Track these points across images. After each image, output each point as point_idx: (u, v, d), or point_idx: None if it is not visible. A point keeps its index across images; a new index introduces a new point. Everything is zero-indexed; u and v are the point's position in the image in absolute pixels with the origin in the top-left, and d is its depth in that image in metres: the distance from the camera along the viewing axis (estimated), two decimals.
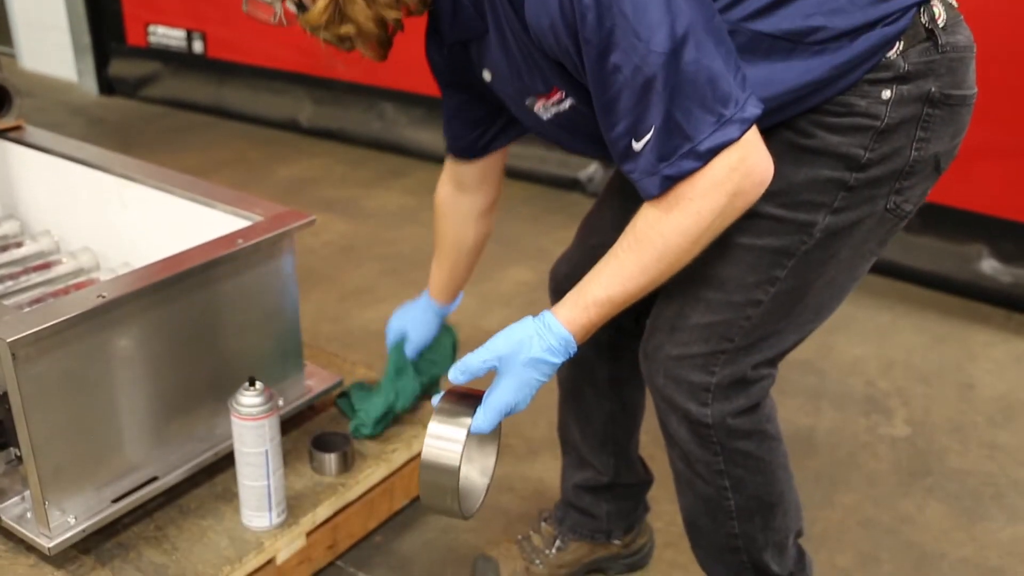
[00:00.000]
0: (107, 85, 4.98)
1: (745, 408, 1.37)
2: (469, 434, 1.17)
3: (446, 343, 1.92)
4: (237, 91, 4.57)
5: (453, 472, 1.16)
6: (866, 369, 2.56)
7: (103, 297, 1.45)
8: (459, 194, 1.68)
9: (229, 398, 1.56)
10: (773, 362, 1.38)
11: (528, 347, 1.18)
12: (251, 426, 1.55)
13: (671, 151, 1.11)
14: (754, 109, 1.12)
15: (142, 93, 4.88)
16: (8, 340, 1.34)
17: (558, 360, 1.19)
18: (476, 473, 1.30)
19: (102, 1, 4.85)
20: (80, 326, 1.43)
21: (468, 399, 1.21)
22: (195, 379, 1.65)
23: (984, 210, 2.91)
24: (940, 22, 1.23)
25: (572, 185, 3.75)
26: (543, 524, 1.83)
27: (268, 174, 3.95)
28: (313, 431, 1.86)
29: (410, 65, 4.08)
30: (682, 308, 1.35)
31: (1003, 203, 2.88)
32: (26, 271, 2.00)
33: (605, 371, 1.66)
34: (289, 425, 1.86)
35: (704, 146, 1.10)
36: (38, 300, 1.88)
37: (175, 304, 1.58)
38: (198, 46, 4.63)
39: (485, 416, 1.18)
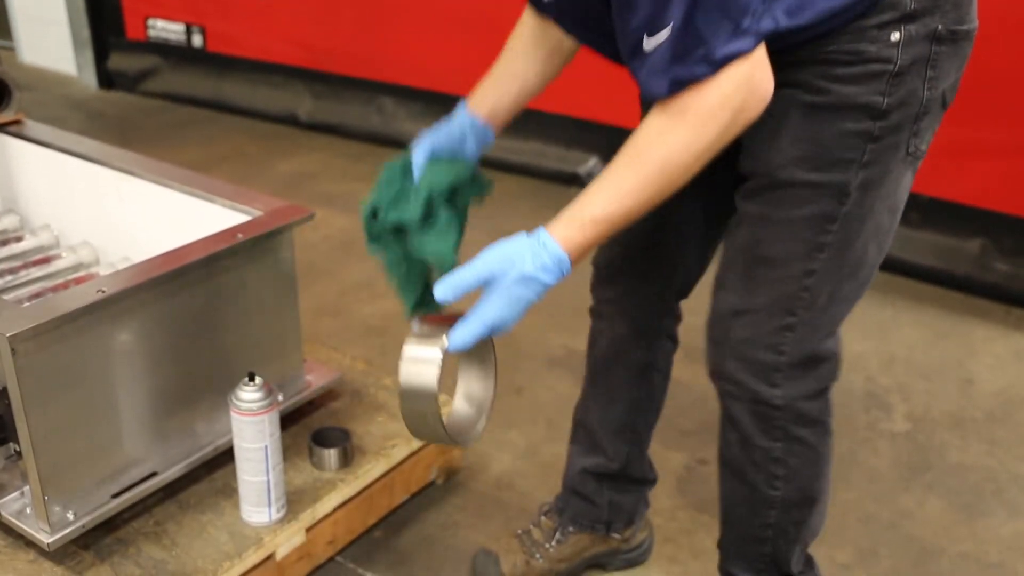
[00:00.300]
0: (106, 79, 4.97)
1: (814, 392, 1.40)
2: (447, 352, 1.12)
3: (432, 174, 1.32)
4: (236, 85, 4.57)
5: (431, 395, 1.12)
6: (867, 365, 2.56)
7: (103, 292, 1.45)
8: (533, 34, 1.46)
9: (229, 393, 1.56)
10: (835, 332, 1.40)
11: (521, 263, 1.14)
12: (251, 421, 1.55)
13: (685, 53, 1.09)
14: (768, 23, 1.12)
15: (141, 87, 4.87)
16: (8, 335, 1.33)
17: (550, 279, 1.16)
18: (473, 404, 1.27)
19: None
20: (80, 321, 1.43)
21: (446, 322, 1.16)
22: (194, 374, 1.65)
23: (984, 205, 2.91)
24: None
25: (571, 180, 3.74)
26: (543, 518, 1.83)
27: (267, 168, 3.94)
28: (313, 426, 1.86)
29: (409, 59, 4.08)
30: (742, 292, 1.37)
31: (1003, 198, 2.88)
32: (26, 266, 2.00)
33: (640, 355, 1.66)
34: (289, 420, 1.86)
35: (719, 53, 1.09)
36: (38, 295, 1.88)
37: (175, 299, 1.57)
38: (197, 40, 4.62)
39: (467, 330, 1.14)
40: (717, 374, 1.45)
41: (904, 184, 1.34)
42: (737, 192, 1.38)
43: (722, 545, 1.62)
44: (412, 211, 1.26)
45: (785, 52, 1.23)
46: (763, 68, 1.13)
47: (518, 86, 1.43)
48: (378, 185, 1.32)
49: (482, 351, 1.28)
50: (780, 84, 1.26)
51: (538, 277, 1.15)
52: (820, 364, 1.40)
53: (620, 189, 1.16)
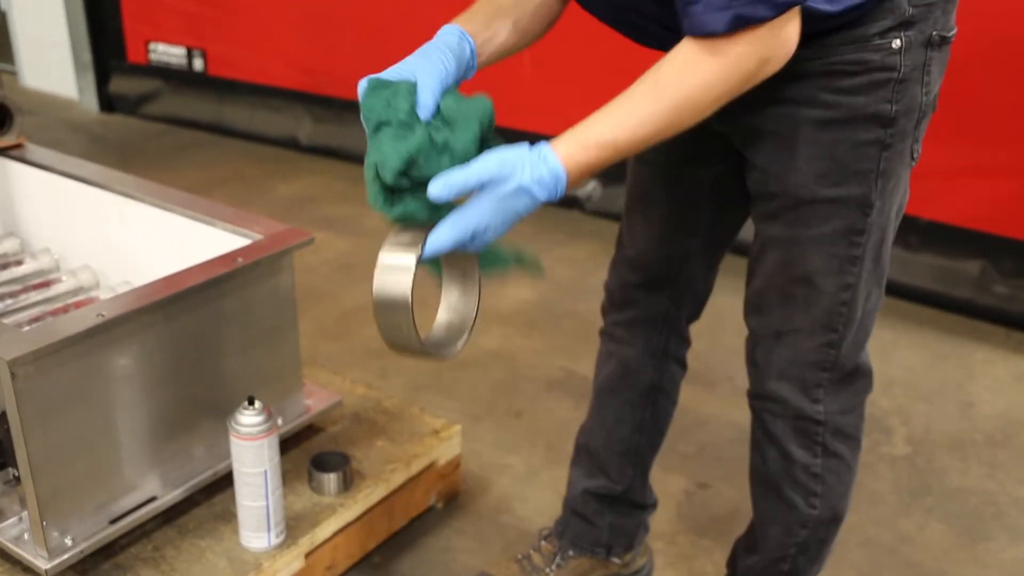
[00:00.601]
0: (107, 102, 4.99)
1: (852, 406, 1.43)
2: (422, 258, 1.08)
3: (472, 116, 1.15)
4: (237, 109, 4.58)
5: (404, 304, 1.08)
6: (873, 383, 2.55)
7: (102, 316, 1.45)
8: None
9: (228, 417, 1.56)
10: (867, 345, 1.43)
11: (519, 173, 1.10)
12: (250, 446, 1.54)
13: None
14: None
15: (142, 110, 4.89)
16: (7, 359, 1.33)
17: (543, 196, 1.12)
18: (455, 318, 1.24)
19: (104, 19, 4.86)
20: (79, 345, 1.43)
21: (423, 229, 1.10)
22: (194, 398, 1.65)
23: (983, 228, 2.91)
24: None
25: (571, 203, 3.75)
26: (543, 542, 1.82)
27: (268, 191, 3.95)
28: (312, 450, 1.86)
29: None
30: (781, 314, 1.39)
31: (1002, 221, 2.89)
32: (26, 289, 2.00)
33: (649, 378, 1.67)
34: (288, 444, 1.86)
35: None
36: (37, 319, 1.88)
37: (175, 323, 1.57)
38: (198, 64, 4.64)
39: (447, 231, 1.10)
40: (760, 395, 1.47)
41: (906, 187, 1.37)
42: (755, 215, 1.39)
43: (745, 569, 1.63)
44: (465, 155, 1.13)
45: (795, 61, 1.24)
46: (796, 24, 1.13)
47: (504, 37, 1.33)
48: (391, 134, 1.15)
49: (465, 263, 1.24)
50: (787, 101, 1.27)
51: (532, 190, 1.11)
52: (859, 378, 1.43)
53: (632, 116, 1.13)
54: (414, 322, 1.10)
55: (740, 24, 1.09)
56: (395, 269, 1.09)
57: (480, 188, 1.10)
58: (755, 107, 1.31)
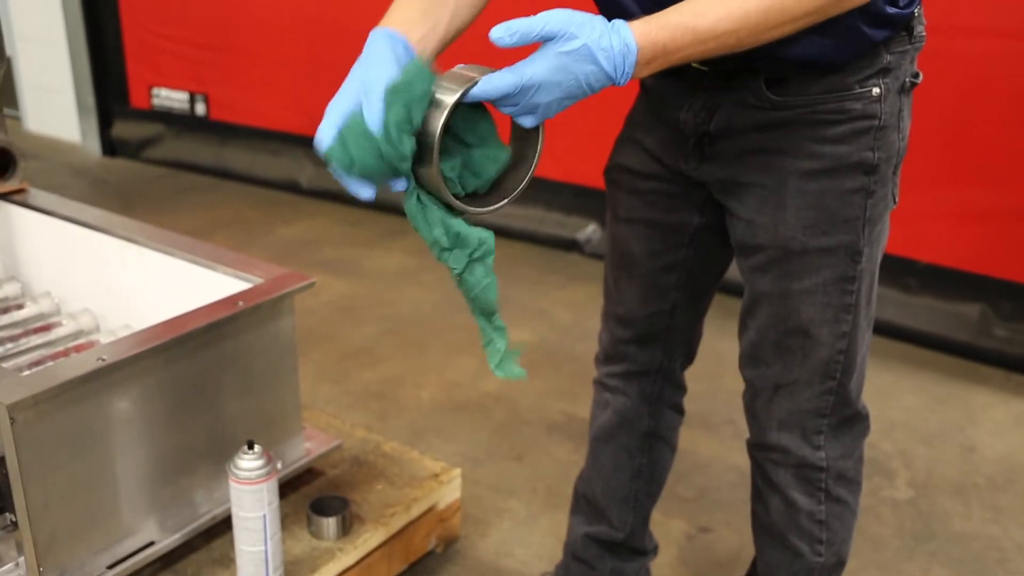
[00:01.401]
0: (110, 146, 5.02)
1: (852, 451, 1.44)
2: (471, 96, 1.03)
3: (485, 122, 1.15)
4: (238, 152, 4.62)
5: (433, 132, 1.04)
6: (871, 426, 2.54)
7: (103, 360, 1.45)
8: None
9: (227, 462, 1.55)
10: (863, 384, 1.44)
11: (587, 32, 1.03)
12: (249, 490, 1.54)
13: None
14: None
15: (145, 154, 4.92)
16: (7, 404, 1.33)
17: (608, 67, 1.04)
18: (500, 189, 1.17)
19: (107, 64, 4.91)
20: (79, 389, 1.43)
21: (481, 72, 1.05)
22: (193, 442, 1.65)
23: (982, 271, 2.92)
24: (918, 11, 1.27)
25: (570, 246, 3.76)
26: None
27: (268, 234, 3.97)
28: (311, 494, 1.85)
29: None
30: (779, 366, 1.39)
31: (1001, 263, 2.90)
32: (26, 333, 2.00)
33: (645, 424, 1.67)
34: (287, 488, 1.85)
35: None
36: (37, 363, 1.88)
37: (175, 367, 1.57)
38: (200, 108, 4.69)
39: (502, 77, 1.03)
40: (761, 446, 1.47)
41: (887, 229, 1.38)
42: (742, 267, 1.39)
43: None
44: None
45: (777, 110, 1.25)
46: None
47: (447, 21, 1.24)
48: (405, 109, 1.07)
49: (530, 136, 1.16)
50: (771, 152, 1.28)
51: (597, 57, 1.03)
52: (858, 421, 1.44)
53: (722, 7, 1.07)
54: (439, 163, 1.06)
55: None
56: (435, 105, 1.05)
57: (544, 40, 1.03)
58: (737, 158, 1.32)
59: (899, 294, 3.01)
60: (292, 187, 4.43)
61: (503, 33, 1.02)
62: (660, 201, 1.46)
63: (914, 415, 2.64)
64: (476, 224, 1.15)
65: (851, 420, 1.42)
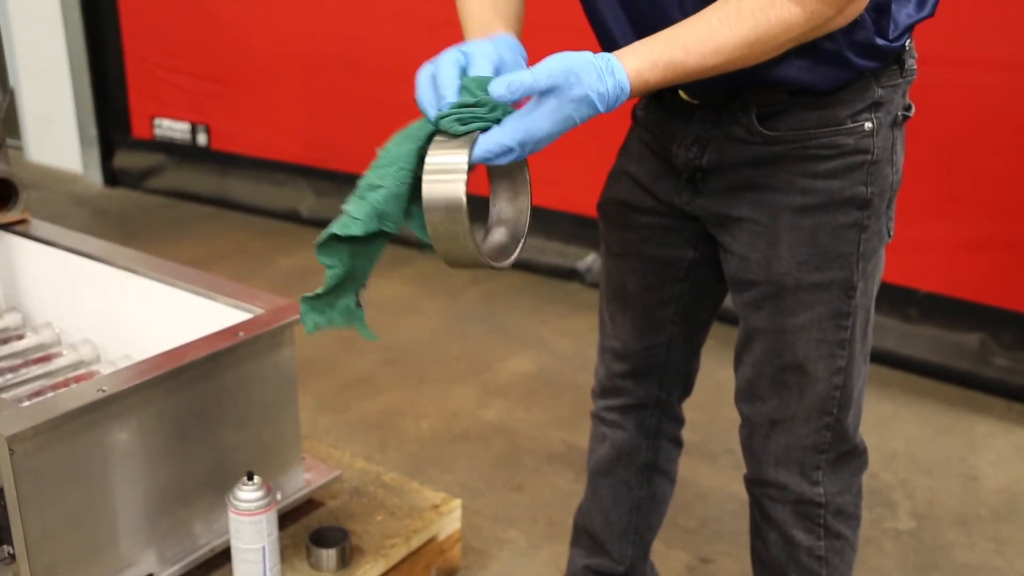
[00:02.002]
0: (111, 176, 5.04)
1: (850, 485, 1.43)
2: (472, 162, 1.02)
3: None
4: (239, 182, 4.63)
5: (459, 207, 1.01)
6: (869, 460, 2.54)
7: (103, 391, 1.45)
8: None
9: (227, 493, 1.55)
10: (860, 417, 1.43)
11: (585, 82, 1.05)
12: (249, 521, 1.53)
13: None
14: None
15: (146, 184, 4.94)
16: (6, 435, 1.33)
17: (602, 108, 1.07)
18: (506, 225, 1.17)
19: (110, 95, 4.94)
20: (79, 420, 1.43)
21: (467, 136, 1.04)
22: (192, 473, 1.64)
23: (982, 300, 2.93)
24: (908, 44, 1.28)
25: (570, 275, 3.76)
26: None
27: (269, 264, 3.97)
28: (311, 526, 1.84)
29: None
30: (775, 402, 1.38)
31: (1001, 293, 2.90)
32: (26, 363, 2.00)
33: (643, 457, 1.66)
34: (286, 519, 1.84)
35: None
36: (37, 393, 1.87)
37: (175, 397, 1.57)
38: (202, 139, 4.71)
39: (503, 133, 1.05)
40: (758, 481, 1.46)
41: (883, 262, 1.38)
42: (736, 302, 1.39)
43: None
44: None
45: (770, 145, 1.25)
46: None
47: (518, 7, 1.28)
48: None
49: (513, 168, 1.18)
50: (763, 188, 1.28)
51: (593, 101, 1.06)
52: (856, 455, 1.43)
53: (708, 43, 1.09)
54: (471, 228, 1.03)
55: None
56: (446, 171, 1.03)
57: (541, 92, 1.05)
58: (730, 193, 1.32)
59: (899, 323, 3.01)
60: (293, 217, 4.44)
61: (504, 90, 1.04)
62: (654, 235, 1.46)
63: (915, 445, 2.63)
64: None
65: (849, 455, 1.41)
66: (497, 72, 1.12)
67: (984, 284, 2.92)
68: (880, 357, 3.01)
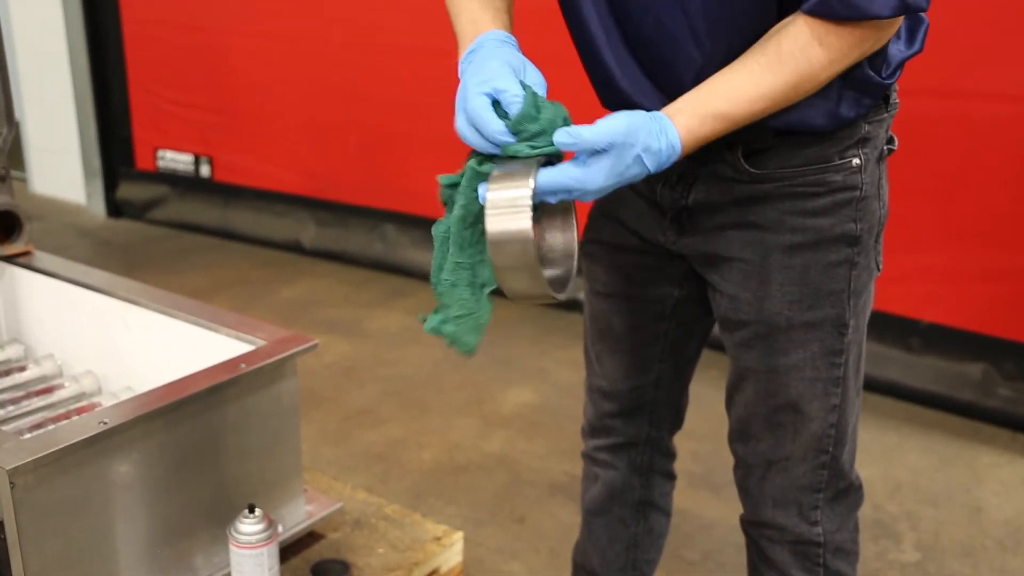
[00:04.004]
0: (115, 208, 5.07)
1: (847, 522, 1.41)
2: (538, 196, 1.04)
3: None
4: (242, 213, 4.65)
5: (528, 240, 1.02)
6: (873, 492, 2.53)
7: (104, 424, 1.44)
8: None
9: (228, 525, 1.54)
10: (855, 453, 1.41)
11: (642, 141, 1.08)
12: (250, 554, 1.52)
13: None
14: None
15: (149, 215, 4.96)
16: (7, 468, 1.33)
17: (653, 167, 1.10)
18: (558, 256, 1.18)
19: (114, 127, 4.97)
20: (80, 453, 1.42)
21: (525, 168, 1.05)
22: (194, 505, 1.63)
23: (985, 330, 2.92)
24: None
25: (572, 306, 3.76)
26: None
27: (271, 294, 3.98)
28: (312, 559, 1.83)
29: (411, 188, 4.16)
30: (770, 442, 1.36)
31: (1003, 323, 2.90)
32: (28, 395, 2.00)
33: (637, 494, 1.65)
34: (288, 552, 1.83)
35: None
36: (38, 425, 1.87)
37: (177, 429, 1.57)
38: (205, 170, 4.73)
39: (562, 175, 1.06)
40: (755, 523, 1.44)
41: (872, 296, 1.37)
42: (727, 341, 1.38)
43: None
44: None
45: (757, 183, 1.25)
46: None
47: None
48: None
49: (564, 205, 1.19)
50: (752, 227, 1.26)
51: (645, 160, 1.09)
52: (852, 492, 1.41)
53: (753, 90, 1.11)
54: (538, 258, 1.04)
55: (903, 10, 1.08)
56: (511, 205, 1.03)
57: (602, 149, 1.07)
58: (718, 232, 1.30)
59: (902, 354, 3.01)
60: (295, 247, 4.46)
61: (566, 138, 1.06)
62: (638, 275, 1.44)
63: (920, 476, 2.62)
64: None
65: (846, 491, 1.40)
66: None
67: (986, 314, 2.92)
68: (883, 388, 3.00)
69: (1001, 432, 2.85)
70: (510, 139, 1.09)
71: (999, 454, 2.74)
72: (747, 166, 1.25)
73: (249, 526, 1.52)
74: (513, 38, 1.21)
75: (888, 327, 2.96)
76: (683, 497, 1.73)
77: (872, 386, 2.95)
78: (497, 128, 1.08)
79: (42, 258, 2.19)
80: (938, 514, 2.45)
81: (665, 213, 1.35)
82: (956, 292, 2.94)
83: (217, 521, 1.62)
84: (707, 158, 1.26)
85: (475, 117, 1.10)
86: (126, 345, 1.99)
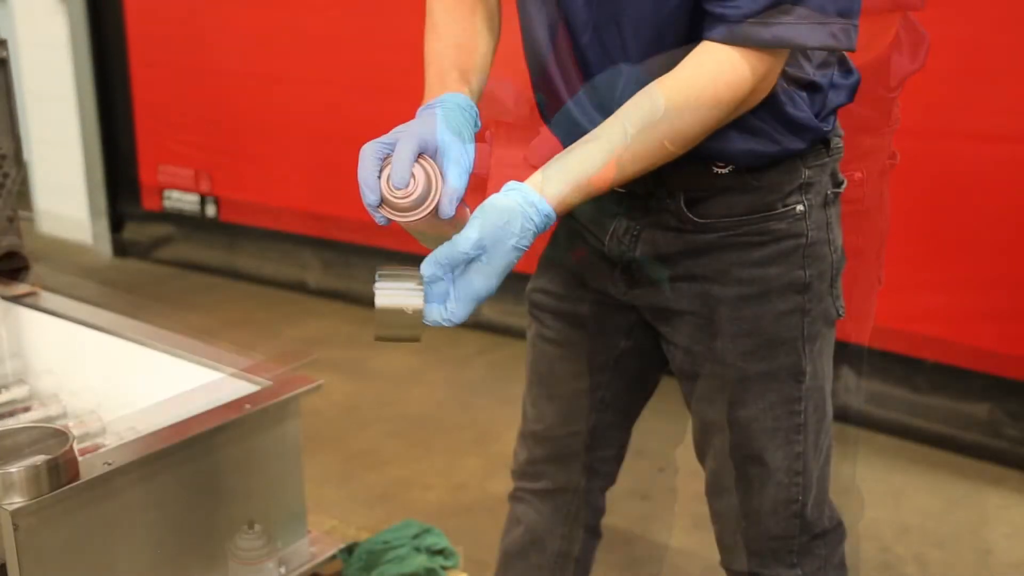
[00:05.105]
0: (120, 248, 5.08)
1: (830, 559, 1.38)
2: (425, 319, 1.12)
3: None
4: (247, 253, 4.67)
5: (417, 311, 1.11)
6: (880, 533, 2.50)
7: (108, 465, 1.44)
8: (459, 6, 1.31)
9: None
10: (828, 492, 1.39)
11: (515, 234, 1.05)
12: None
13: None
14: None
15: (155, 255, 4.97)
16: (10, 510, 1.32)
17: (531, 241, 1.08)
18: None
19: (120, 167, 5.01)
20: (84, 494, 1.42)
21: (412, 277, 1.11)
22: (197, 545, 1.62)
23: (993, 371, 2.91)
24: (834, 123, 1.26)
25: None
26: None
27: (276, 334, 3.98)
28: None
29: None
30: (742, 495, 1.35)
31: (1008, 363, 2.88)
32: None
33: (558, 544, 1.60)
34: None
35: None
36: None
37: (180, 470, 1.56)
38: (211, 210, 4.75)
39: (460, 307, 1.08)
40: (735, 573, 1.43)
41: (833, 342, 1.35)
42: (685, 394, 1.37)
43: None
44: None
45: (702, 233, 1.23)
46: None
47: (482, 61, 1.28)
48: None
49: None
50: (699, 279, 1.25)
51: (524, 245, 1.07)
52: (830, 530, 1.39)
53: (627, 154, 1.08)
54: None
55: (831, 42, 1.05)
56: (399, 288, 1.14)
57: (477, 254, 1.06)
58: (668, 285, 1.29)
59: (908, 393, 2.99)
60: (300, 287, 4.46)
61: (435, 268, 1.07)
62: (586, 323, 1.43)
63: (928, 517, 2.60)
64: None
65: (821, 535, 1.38)
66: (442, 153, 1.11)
67: (991, 354, 2.91)
68: (889, 428, 2.99)
69: (1009, 473, 2.83)
70: (373, 198, 1.08)
71: (1008, 495, 2.72)
72: (690, 215, 1.23)
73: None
74: (473, 107, 1.19)
75: (893, 367, 2.95)
76: (689, 538, 1.71)
77: (878, 426, 2.94)
78: (370, 182, 1.07)
79: (48, 298, 2.20)
80: (947, 556, 2.42)
81: (615, 264, 1.34)
82: (961, 332, 2.93)
83: (221, 562, 1.61)
84: (650, 207, 1.25)
85: (361, 161, 1.09)
86: (130, 385, 1.99)
